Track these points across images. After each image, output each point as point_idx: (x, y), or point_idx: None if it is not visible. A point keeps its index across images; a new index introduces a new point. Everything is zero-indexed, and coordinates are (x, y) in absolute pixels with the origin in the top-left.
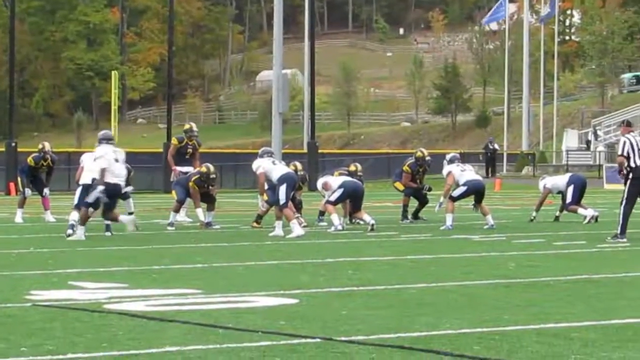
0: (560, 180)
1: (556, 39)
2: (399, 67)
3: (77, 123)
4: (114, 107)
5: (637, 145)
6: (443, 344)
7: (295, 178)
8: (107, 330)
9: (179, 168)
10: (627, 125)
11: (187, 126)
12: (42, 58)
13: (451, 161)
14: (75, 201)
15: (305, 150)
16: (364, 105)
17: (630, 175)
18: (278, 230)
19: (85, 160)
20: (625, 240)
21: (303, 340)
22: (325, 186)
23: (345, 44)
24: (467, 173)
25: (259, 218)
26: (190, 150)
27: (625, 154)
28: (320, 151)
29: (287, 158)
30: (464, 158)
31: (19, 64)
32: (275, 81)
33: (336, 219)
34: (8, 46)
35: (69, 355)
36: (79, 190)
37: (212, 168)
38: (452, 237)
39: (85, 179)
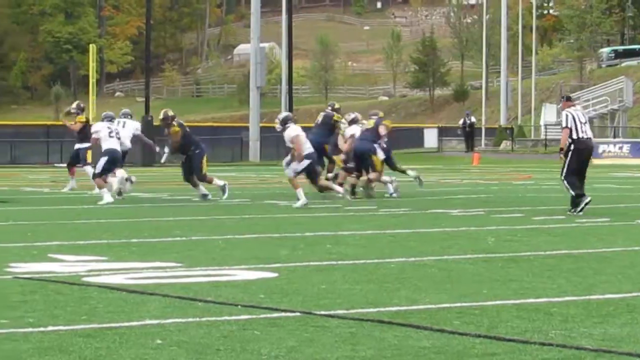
0: None
1: (534, 13)
2: (377, 41)
3: (55, 96)
4: (92, 80)
5: (579, 118)
6: (423, 319)
7: None
8: (87, 303)
9: None
10: (567, 100)
11: None
12: (20, 31)
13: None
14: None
15: None
16: (342, 79)
17: (572, 147)
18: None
19: (102, 130)
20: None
21: (283, 314)
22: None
23: (322, 17)
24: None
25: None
26: None
27: (568, 125)
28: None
29: (264, 132)
30: (443, 132)
31: None
32: (252, 55)
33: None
34: None
35: (50, 328)
36: (104, 159)
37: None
38: (431, 211)
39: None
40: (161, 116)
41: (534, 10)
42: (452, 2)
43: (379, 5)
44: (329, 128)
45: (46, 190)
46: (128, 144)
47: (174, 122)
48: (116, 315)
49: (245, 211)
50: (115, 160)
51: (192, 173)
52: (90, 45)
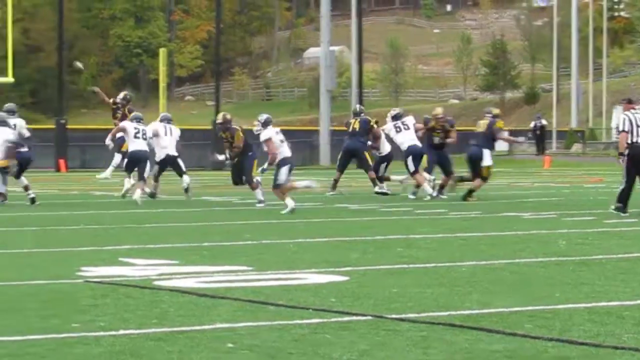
0: None
1: (605, 15)
2: (446, 43)
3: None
4: (162, 84)
5: (636, 121)
6: (494, 322)
7: None
8: (158, 307)
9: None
10: (629, 102)
11: None
12: (91, 35)
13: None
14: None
15: None
16: (412, 82)
17: (627, 152)
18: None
19: (129, 130)
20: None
21: (354, 318)
22: None
23: (392, 20)
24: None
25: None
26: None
27: (626, 129)
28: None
29: (335, 135)
30: (514, 135)
31: (68, 41)
32: (322, 58)
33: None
34: (57, 23)
35: (121, 332)
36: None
37: None
38: (502, 214)
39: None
40: (220, 120)
41: (604, 13)
42: (522, 5)
43: (448, 8)
44: (366, 133)
45: (116, 194)
46: (174, 152)
47: (238, 127)
48: (187, 319)
49: (316, 215)
50: (138, 160)
51: (243, 176)
52: (160, 49)
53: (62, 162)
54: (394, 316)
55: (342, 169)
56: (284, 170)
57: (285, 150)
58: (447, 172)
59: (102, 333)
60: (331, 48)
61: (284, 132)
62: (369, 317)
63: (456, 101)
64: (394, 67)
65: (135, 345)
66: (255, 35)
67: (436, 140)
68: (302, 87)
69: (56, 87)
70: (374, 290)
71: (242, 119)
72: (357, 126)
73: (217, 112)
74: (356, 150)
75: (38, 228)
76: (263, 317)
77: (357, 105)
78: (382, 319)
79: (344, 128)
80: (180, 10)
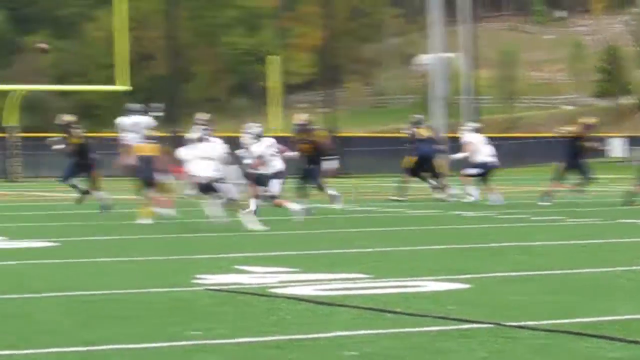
0: None
1: None
2: (558, 50)
3: (237, 107)
4: (273, 92)
5: None
6: (615, 330)
7: None
8: (276, 315)
9: None
10: None
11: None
12: (202, 44)
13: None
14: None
15: None
16: (524, 89)
17: None
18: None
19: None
20: None
21: (474, 326)
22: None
23: (504, 27)
24: None
25: None
26: None
27: None
28: (482, 135)
29: (449, 142)
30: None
31: (179, 50)
32: (434, 65)
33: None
34: (168, 32)
35: (240, 339)
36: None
37: None
38: (621, 221)
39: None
40: (299, 122)
41: None
42: (633, 11)
43: (559, 14)
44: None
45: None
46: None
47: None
48: (305, 327)
49: (433, 222)
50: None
51: (313, 178)
52: (271, 57)
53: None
54: (513, 324)
55: (415, 175)
56: (277, 182)
57: (278, 163)
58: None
59: (221, 341)
60: (442, 55)
61: (395, 139)
62: (488, 325)
63: (570, 107)
64: (506, 73)
65: (253, 353)
66: (366, 43)
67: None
68: (414, 94)
69: (169, 95)
70: (492, 298)
71: (355, 126)
72: (428, 133)
73: (330, 120)
74: (429, 156)
75: (160, 236)
76: (382, 325)
77: (417, 115)
78: (501, 327)
79: (457, 134)
80: (292, 18)
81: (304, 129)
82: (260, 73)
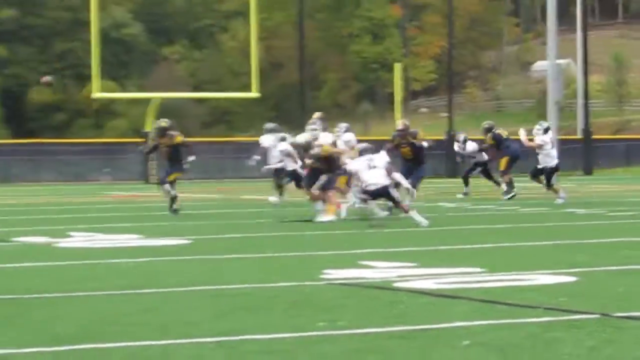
0: None
1: None
2: None
3: (363, 113)
4: (397, 98)
5: None
6: None
7: None
8: (398, 307)
9: None
10: None
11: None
12: (331, 52)
13: None
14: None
15: (580, 136)
16: (635, 93)
17: None
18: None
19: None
20: None
21: (583, 316)
22: None
23: (615, 34)
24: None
25: None
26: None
27: None
28: (593, 137)
29: (562, 144)
30: None
31: (308, 58)
32: (549, 71)
33: None
34: (298, 41)
35: (363, 330)
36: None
37: None
38: None
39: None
40: (400, 127)
41: None
42: None
43: None
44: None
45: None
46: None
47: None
48: (425, 318)
49: (544, 219)
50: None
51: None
52: (396, 64)
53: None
54: (621, 314)
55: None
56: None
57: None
58: None
59: (345, 332)
60: (558, 61)
61: (515, 141)
62: (597, 316)
63: None
64: (618, 78)
65: (376, 343)
66: (485, 50)
67: None
68: (531, 99)
69: (298, 101)
70: (601, 290)
71: (474, 128)
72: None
73: (450, 124)
74: (518, 155)
75: (284, 234)
76: (496, 316)
77: (489, 122)
78: (609, 317)
79: (570, 137)
80: (414, 27)
81: (403, 134)
82: (384, 80)
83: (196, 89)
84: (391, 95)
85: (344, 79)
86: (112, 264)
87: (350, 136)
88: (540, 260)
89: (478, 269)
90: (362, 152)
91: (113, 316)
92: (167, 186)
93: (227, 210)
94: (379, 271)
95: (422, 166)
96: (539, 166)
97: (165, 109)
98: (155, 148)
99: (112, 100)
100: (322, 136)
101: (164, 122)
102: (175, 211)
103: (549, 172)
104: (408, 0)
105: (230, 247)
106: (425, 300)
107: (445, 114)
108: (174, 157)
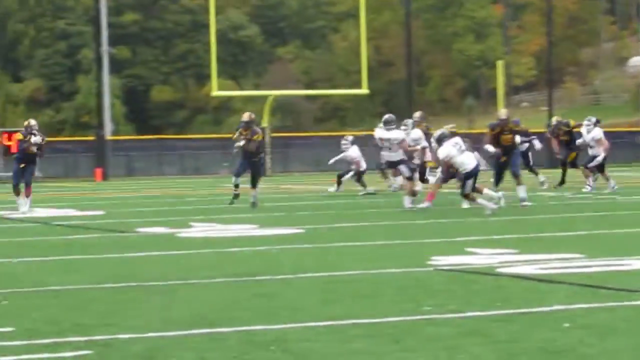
0: None
1: None
2: None
3: (467, 108)
4: (499, 93)
5: None
6: None
7: None
8: (501, 292)
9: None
10: None
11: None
12: (435, 50)
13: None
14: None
15: None
16: None
17: None
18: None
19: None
20: None
21: None
22: None
23: None
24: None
25: None
26: None
27: None
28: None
29: None
30: None
31: (415, 56)
32: None
33: None
34: (405, 40)
35: (467, 314)
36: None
37: None
38: None
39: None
40: (501, 117)
41: None
42: None
43: None
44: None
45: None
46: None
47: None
48: (527, 302)
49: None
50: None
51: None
52: (498, 61)
53: None
54: None
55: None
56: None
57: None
58: None
59: (450, 315)
60: None
61: (610, 133)
62: None
63: None
64: None
65: (480, 326)
66: (583, 47)
67: None
68: (627, 92)
69: (406, 97)
70: None
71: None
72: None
73: (550, 117)
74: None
75: (393, 222)
76: (595, 300)
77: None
78: None
79: None
80: (515, 26)
81: (504, 122)
82: (487, 76)
83: (309, 86)
84: (494, 91)
85: (448, 76)
86: (229, 252)
87: (418, 133)
88: (637, 246)
89: (577, 255)
90: (441, 138)
91: (228, 302)
92: (238, 180)
93: (340, 201)
94: (483, 257)
95: (517, 152)
96: (599, 158)
97: (280, 106)
98: (248, 141)
99: (230, 98)
100: (412, 133)
101: (247, 116)
102: (253, 204)
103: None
104: (509, 0)
105: (343, 235)
106: (527, 285)
107: (545, 108)
108: (254, 153)
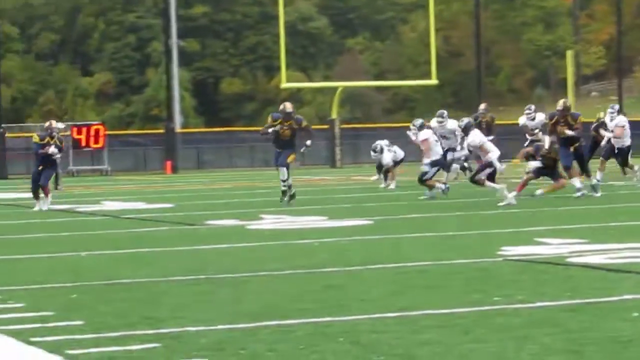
0: None
1: None
2: None
3: (537, 98)
4: (569, 82)
5: None
6: None
7: None
8: (570, 282)
9: None
10: None
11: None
12: (505, 40)
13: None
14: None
15: None
16: None
17: None
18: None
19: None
20: None
21: None
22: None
23: None
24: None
25: None
26: None
27: None
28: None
29: None
30: None
31: (484, 46)
32: None
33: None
34: (474, 31)
35: (537, 304)
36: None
37: None
38: None
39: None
40: (559, 107)
41: None
42: None
43: None
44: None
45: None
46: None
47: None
48: (596, 292)
49: None
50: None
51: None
52: (568, 51)
53: None
54: None
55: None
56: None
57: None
58: None
59: (520, 305)
60: None
61: None
62: None
63: None
64: None
65: (549, 316)
66: None
67: None
68: None
69: (475, 88)
70: None
71: None
72: None
73: (620, 107)
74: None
75: (462, 213)
76: None
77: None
78: None
79: None
80: (585, 15)
81: (562, 113)
82: (557, 66)
83: (378, 77)
84: (564, 80)
85: (518, 66)
86: (299, 244)
87: (428, 134)
88: None
89: None
90: (467, 127)
91: (298, 294)
92: (285, 170)
93: (410, 192)
94: (552, 247)
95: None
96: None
97: (349, 97)
98: (276, 133)
99: (300, 90)
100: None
101: (289, 106)
102: (292, 197)
103: (626, 152)
104: None
105: (412, 226)
106: (596, 275)
107: (615, 97)
108: (292, 140)
